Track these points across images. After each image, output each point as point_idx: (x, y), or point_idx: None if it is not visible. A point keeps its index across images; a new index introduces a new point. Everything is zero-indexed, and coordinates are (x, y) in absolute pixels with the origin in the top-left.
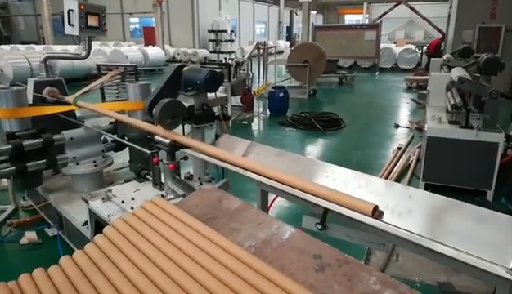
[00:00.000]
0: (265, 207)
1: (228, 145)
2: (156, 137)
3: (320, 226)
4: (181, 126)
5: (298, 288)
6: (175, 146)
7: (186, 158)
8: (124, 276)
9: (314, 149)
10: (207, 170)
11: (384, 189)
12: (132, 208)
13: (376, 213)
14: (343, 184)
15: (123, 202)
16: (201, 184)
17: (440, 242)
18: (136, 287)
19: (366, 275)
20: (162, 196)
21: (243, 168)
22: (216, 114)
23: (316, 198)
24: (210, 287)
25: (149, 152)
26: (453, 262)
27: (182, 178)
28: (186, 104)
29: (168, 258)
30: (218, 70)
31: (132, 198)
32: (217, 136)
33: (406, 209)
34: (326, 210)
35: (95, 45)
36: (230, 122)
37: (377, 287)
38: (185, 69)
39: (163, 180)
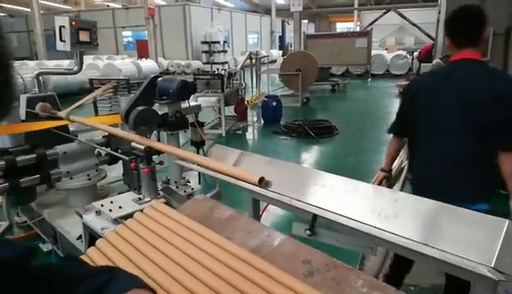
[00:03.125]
0: (257, 215)
1: (220, 155)
2: (132, 144)
3: (309, 232)
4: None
5: (298, 284)
6: (150, 152)
7: (161, 163)
8: None
9: (308, 156)
10: (183, 174)
11: (371, 194)
12: (121, 218)
13: (263, 183)
14: (330, 189)
15: (110, 210)
16: (177, 187)
17: (426, 244)
18: None
19: (354, 279)
20: (139, 199)
21: (233, 177)
22: (190, 122)
23: (305, 204)
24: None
25: (127, 158)
26: (438, 263)
27: (160, 182)
28: (161, 113)
29: (158, 267)
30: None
31: (111, 202)
32: (192, 142)
33: (392, 213)
34: (315, 216)
35: (88, 59)
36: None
37: (364, 289)
38: (159, 79)
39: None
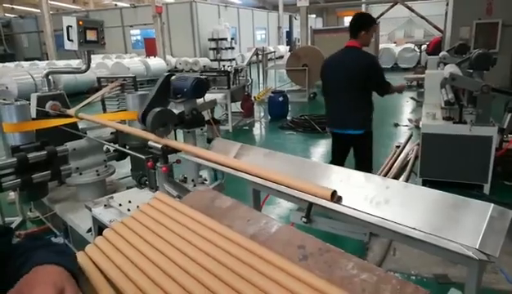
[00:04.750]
0: (257, 205)
1: (221, 148)
2: (149, 143)
3: (305, 219)
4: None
5: (293, 267)
6: (167, 150)
7: (178, 161)
8: (124, 274)
9: (314, 149)
10: (200, 172)
11: (364, 182)
12: (128, 210)
13: (335, 198)
14: (324, 178)
15: (120, 205)
16: (195, 185)
17: (414, 228)
18: (135, 283)
19: (345, 261)
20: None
21: (234, 169)
22: (206, 119)
23: (300, 193)
24: (210, 285)
25: (144, 157)
26: (426, 245)
27: (177, 181)
28: (177, 111)
29: (162, 254)
30: (209, 77)
31: (129, 201)
32: (208, 140)
33: (383, 199)
34: (311, 204)
35: (97, 58)
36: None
37: (354, 271)
38: (172, 78)
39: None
